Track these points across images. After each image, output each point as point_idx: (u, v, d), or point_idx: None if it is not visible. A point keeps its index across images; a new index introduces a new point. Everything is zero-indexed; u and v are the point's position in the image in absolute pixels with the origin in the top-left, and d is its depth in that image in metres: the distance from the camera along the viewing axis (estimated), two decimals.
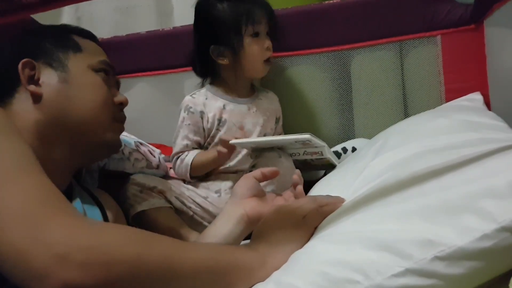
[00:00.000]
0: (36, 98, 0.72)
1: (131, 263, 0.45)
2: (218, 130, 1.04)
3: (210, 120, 1.04)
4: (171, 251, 0.50)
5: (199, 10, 1.05)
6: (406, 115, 1.15)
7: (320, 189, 0.84)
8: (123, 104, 0.82)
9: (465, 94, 1.07)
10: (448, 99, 1.10)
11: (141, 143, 1.08)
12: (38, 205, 0.46)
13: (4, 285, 0.45)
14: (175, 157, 1.04)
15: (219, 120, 1.04)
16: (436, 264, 0.44)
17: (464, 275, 0.44)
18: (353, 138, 1.18)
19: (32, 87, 0.72)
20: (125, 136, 1.01)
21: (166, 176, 1.09)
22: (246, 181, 0.75)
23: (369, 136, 1.05)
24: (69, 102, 0.73)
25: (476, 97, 1.04)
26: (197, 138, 1.04)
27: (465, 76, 1.10)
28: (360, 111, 1.16)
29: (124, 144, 0.99)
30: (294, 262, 0.55)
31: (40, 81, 0.73)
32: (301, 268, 0.52)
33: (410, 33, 1.12)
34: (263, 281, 0.54)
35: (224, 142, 0.94)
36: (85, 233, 0.45)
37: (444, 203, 0.49)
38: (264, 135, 1.08)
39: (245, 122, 1.06)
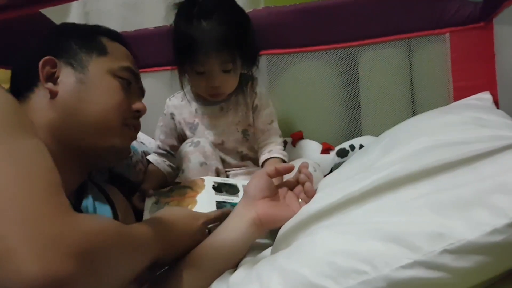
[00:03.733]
0: (52, 96, 0.72)
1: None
2: (192, 133, 1.04)
3: (182, 122, 1.04)
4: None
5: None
6: (414, 113, 1.14)
7: (327, 184, 0.84)
8: (140, 111, 0.81)
9: (473, 93, 1.06)
10: (456, 97, 1.10)
11: (145, 153, 1.08)
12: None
13: None
14: None
15: (191, 123, 1.04)
16: (445, 257, 0.44)
17: (472, 269, 0.44)
18: (360, 135, 1.17)
19: (49, 85, 0.72)
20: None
21: None
22: (259, 181, 0.73)
23: (377, 133, 1.04)
24: (81, 103, 0.73)
25: (485, 96, 1.03)
26: (168, 140, 1.06)
27: (474, 74, 1.09)
28: (368, 108, 1.16)
29: (133, 152, 0.99)
30: (300, 250, 0.54)
31: (59, 80, 0.73)
32: (307, 257, 0.52)
33: (419, 31, 1.12)
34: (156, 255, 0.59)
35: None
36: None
37: (455, 197, 0.49)
38: (243, 132, 1.05)
39: (218, 124, 1.03)
